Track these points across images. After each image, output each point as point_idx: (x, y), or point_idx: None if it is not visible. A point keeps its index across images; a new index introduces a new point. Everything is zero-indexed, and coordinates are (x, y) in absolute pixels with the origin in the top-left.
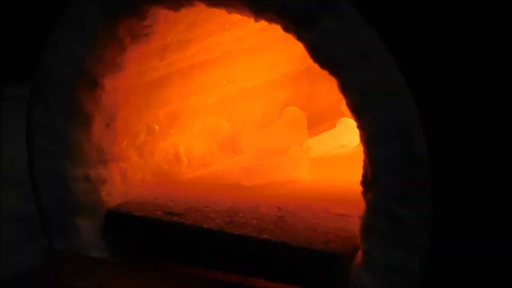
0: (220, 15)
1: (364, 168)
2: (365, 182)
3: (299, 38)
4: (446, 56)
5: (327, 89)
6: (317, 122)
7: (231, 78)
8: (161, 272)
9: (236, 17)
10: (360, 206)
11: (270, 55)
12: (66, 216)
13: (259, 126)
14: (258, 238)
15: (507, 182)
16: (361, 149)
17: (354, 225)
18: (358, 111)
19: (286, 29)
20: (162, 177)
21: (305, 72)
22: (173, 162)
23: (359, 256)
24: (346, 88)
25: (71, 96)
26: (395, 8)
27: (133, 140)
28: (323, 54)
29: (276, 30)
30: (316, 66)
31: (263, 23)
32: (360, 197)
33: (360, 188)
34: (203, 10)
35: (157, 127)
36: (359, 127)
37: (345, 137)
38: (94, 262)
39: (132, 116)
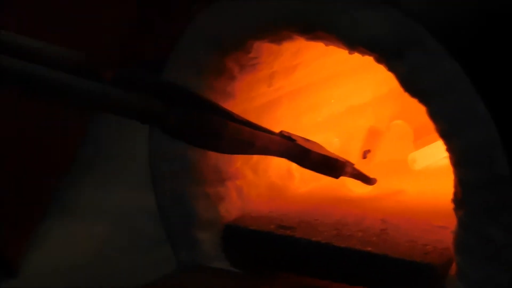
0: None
1: (455, 187)
2: (456, 200)
3: (389, 69)
4: None
5: None
6: (423, 134)
7: (339, 97)
8: (276, 281)
9: None
10: None
11: (376, 74)
12: (189, 231)
13: (367, 140)
14: (362, 251)
15: None
16: None
17: (451, 237)
18: (445, 136)
19: (377, 60)
20: (276, 192)
21: None
22: (285, 178)
23: (454, 266)
24: (433, 115)
25: None
26: (475, 43)
27: (247, 160)
28: (412, 84)
29: None
30: None
31: None
32: None
33: None
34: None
35: None
36: (447, 150)
37: None
38: (215, 273)
39: None
